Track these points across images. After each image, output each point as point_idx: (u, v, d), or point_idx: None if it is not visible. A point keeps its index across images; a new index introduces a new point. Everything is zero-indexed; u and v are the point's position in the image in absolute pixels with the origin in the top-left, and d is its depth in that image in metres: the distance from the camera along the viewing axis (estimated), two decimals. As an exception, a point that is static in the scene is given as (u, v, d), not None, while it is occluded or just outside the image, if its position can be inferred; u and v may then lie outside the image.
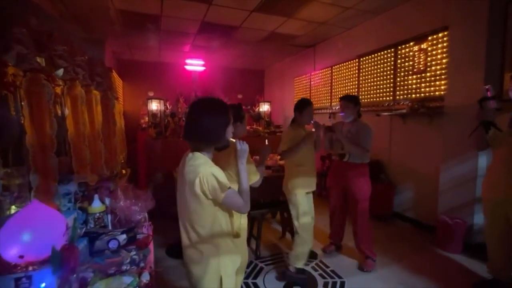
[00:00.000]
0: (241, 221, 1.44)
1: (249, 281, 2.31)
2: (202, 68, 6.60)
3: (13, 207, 1.20)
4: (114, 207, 1.55)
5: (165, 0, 3.47)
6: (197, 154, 1.21)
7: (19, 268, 0.74)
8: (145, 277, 1.03)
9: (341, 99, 2.48)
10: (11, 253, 0.73)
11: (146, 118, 5.42)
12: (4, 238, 0.74)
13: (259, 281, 2.32)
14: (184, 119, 4.70)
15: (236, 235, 1.25)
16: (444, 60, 3.07)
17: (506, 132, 1.88)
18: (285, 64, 6.69)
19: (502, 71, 2.66)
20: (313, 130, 2.31)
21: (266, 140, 1.89)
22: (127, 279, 0.97)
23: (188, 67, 6.48)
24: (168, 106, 5.23)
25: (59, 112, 1.59)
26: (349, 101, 2.43)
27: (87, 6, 3.52)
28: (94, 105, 2.01)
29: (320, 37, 4.88)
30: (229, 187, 1.15)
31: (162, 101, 4.73)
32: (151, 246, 1.47)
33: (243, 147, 1.27)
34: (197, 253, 1.17)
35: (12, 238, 0.73)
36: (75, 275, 0.84)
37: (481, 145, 2.07)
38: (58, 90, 1.62)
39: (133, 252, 1.31)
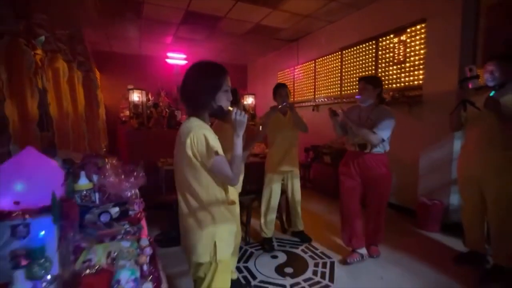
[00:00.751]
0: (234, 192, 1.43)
1: (241, 265, 2.31)
2: (184, 62, 6.50)
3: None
4: (102, 183, 1.49)
5: (148, -15, 3.38)
6: (192, 118, 1.20)
7: (15, 215, 0.68)
8: (144, 242, 0.99)
9: (360, 80, 2.20)
10: (5, 199, 0.68)
11: (126, 112, 5.24)
12: None
13: (250, 264, 2.32)
14: (167, 110, 4.60)
15: (232, 203, 1.24)
16: (422, 51, 3.23)
17: (481, 111, 2.01)
18: (268, 58, 6.73)
19: (474, 62, 2.85)
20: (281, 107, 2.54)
21: (260, 127, 1.95)
22: (126, 243, 0.93)
23: (169, 61, 6.34)
24: (151, 97, 5.09)
25: (40, 84, 1.49)
26: (368, 82, 2.13)
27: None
28: (76, 84, 1.91)
29: (304, 30, 4.96)
30: (218, 153, 1.10)
31: (144, 92, 4.60)
32: (144, 223, 1.43)
33: (240, 118, 1.20)
34: (194, 221, 1.15)
35: (6, 184, 0.68)
36: (72, 234, 0.79)
37: (457, 125, 2.19)
38: (38, 60, 1.52)
39: (127, 226, 1.26)
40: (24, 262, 0.63)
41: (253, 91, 6.86)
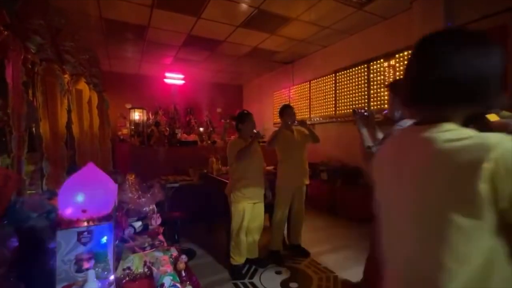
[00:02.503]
0: None
1: (246, 281, 2.34)
2: (181, 82, 6.67)
3: (28, 192, 1.18)
4: (122, 199, 1.56)
5: (154, 11, 3.58)
6: (449, 124, 0.64)
7: (81, 222, 0.76)
8: (174, 251, 1.06)
9: (387, 87, 1.87)
10: (74, 209, 0.75)
11: (124, 130, 5.30)
12: (64, 196, 0.76)
13: (255, 280, 2.35)
14: (168, 128, 4.69)
15: None
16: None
17: None
18: (264, 79, 6.98)
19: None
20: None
21: (258, 131, 2.29)
22: (159, 253, 1.00)
23: (167, 80, 6.51)
24: (151, 116, 5.18)
25: (66, 105, 1.60)
26: (391, 89, 1.78)
27: (72, 12, 3.51)
28: (93, 105, 2.01)
29: (299, 53, 5.25)
30: None
31: (144, 111, 4.69)
32: (161, 237, 1.49)
33: None
34: None
35: (71, 195, 0.75)
36: (117, 241, 0.86)
37: None
38: (65, 82, 1.63)
39: (149, 239, 1.32)
40: (86, 265, 0.71)
41: (250, 110, 7.04)
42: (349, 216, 3.90)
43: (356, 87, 4.26)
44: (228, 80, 7.50)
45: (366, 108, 2.18)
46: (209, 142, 4.77)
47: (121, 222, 1.08)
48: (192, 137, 4.95)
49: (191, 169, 3.87)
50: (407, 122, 1.61)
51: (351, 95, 4.36)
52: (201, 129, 5.94)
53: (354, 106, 4.29)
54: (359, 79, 4.21)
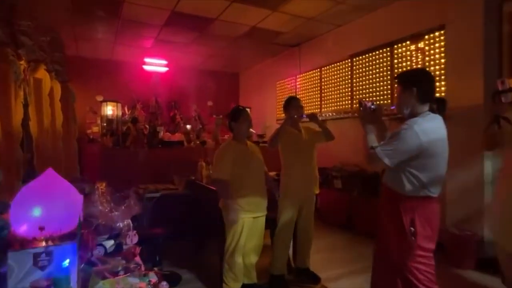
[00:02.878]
0: None
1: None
2: (164, 69, 6.69)
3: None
4: (90, 213, 1.56)
5: (131, -17, 3.58)
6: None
7: (37, 241, 0.75)
8: (153, 277, 1.06)
9: (396, 78, 1.98)
10: (29, 225, 0.75)
11: (95, 128, 5.30)
12: (18, 210, 0.75)
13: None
14: (147, 126, 4.69)
15: None
16: (442, 60, 3.50)
17: None
18: (265, 66, 6.99)
19: (500, 72, 3.11)
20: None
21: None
22: (134, 279, 1.00)
23: (147, 68, 6.53)
24: (127, 111, 5.19)
25: (22, 98, 1.60)
26: (401, 81, 1.86)
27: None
28: (55, 98, 2.01)
29: (306, 35, 5.26)
30: None
31: (119, 105, 4.70)
32: (139, 259, 1.49)
33: None
34: None
35: (26, 209, 0.75)
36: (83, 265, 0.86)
37: (490, 144, 2.37)
38: (22, 71, 1.63)
39: (123, 261, 1.32)
40: (45, 294, 0.70)
41: (247, 104, 7.05)
42: (368, 232, 3.89)
43: (377, 74, 4.27)
44: (221, 67, 7.52)
45: (373, 101, 2.19)
46: (197, 142, 4.77)
47: (87, 241, 1.08)
48: (177, 137, 4.95)
49: (175, 176, 3.86)
50: (419, 121, 1.68)
51: (371, 85, 4.37)
52: (188, 126, 5.95)
53: (372, 98, 4.30)
54: (381, 65, 4.21)
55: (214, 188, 3.20)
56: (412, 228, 1.72)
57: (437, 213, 1.80)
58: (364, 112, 1.90)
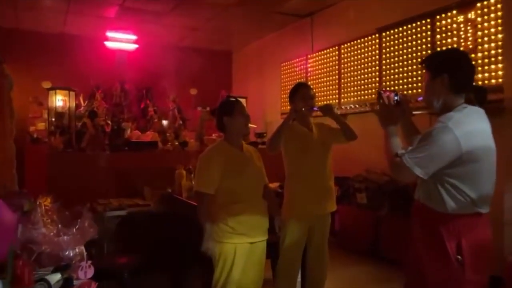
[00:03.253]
0: None
1: None
2: (133, 47, 6.67)
3: None
4: (29, 237, 1.55)
5: None
6: None
7: None
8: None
9: (422, 63, 2.02)
10: None
11: (40, 124, 5.29)
12: None
13: None
14: (109, 122, 4.68)
15: None
16: (499, 36, 3.49)
17: None
18: (266, 42, 6.96)
19: None
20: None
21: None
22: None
23: (110, 45, 6.51)
24: (83, 102, 5.19)
25: None
26: (428, 66, 1.90)
27: None
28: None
29: (321, 2, 5.25)
30: None
31: (72, 94, 4.69)
32: (94, 298, 1.48)
33: None
34: None
35: None
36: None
37: None
38: None
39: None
40: None
41: (242, 93, 7.05)
42: (401, 262, 3.88)
43: (415, 54, 4.26)
44: (209, 44, 7.50)
45: (397, 91, 2.16)
46: (176, 143, 4.76)
47: (23, 275, 1.03)
48: (150, 136, 4.94)
49: (147, 188, 3.84)
50: (455, 118, 1.66)
51: (405, 68, 4.36)
52: (165, 122, 5.95)
53: (410, 85, 4.29)
54: (419, 41, 4.20)
55: (196, 204, 3.20)
56: (459, 257, 1.69)
57: (490, 236, 1.79)
58: (385, 107, 1.90)
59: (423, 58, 2.00)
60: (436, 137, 1.65)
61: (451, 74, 1.75)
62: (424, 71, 1.98)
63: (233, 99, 2.60)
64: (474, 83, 1.91)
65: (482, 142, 1.72)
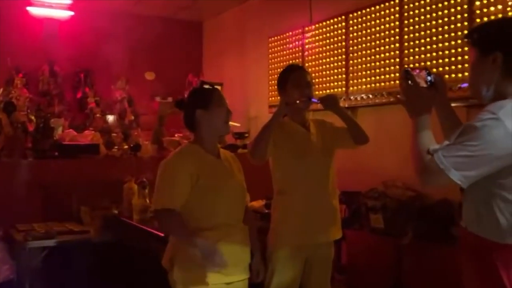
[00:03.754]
0: None
1: None
2: (67, 14, 6.61)
3: None
4: None
5: None
6: None
7: None
8: None
9: (466, 37, 2.02)
10: None
11: None
12: None
13: None
14: (33, 116, 4.62)
15: None
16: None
17: None
18: (248, 9, 6.99)
19: None
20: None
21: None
22: None
23: (35, 11, 6.44)
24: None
25: None
26: (476, 41, 1.90)
27: None
28: None
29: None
30: None
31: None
32: None
33: None
34: None
35: None
36: None
37: None
38: None
39: None
40: None
41: (216, 78, 7.04)
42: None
43: (447, 27, 4.30)
44: (170, 11, 7.49)
45: (427, 68, 2.14)
46: (125, 147, 4.73)
47: None
48: (89, 137, 4.90)
49: (84, 209, 3.86)
50: (508, 107, 1.64)
51: (434, 46, 4.40)
52: (110, 117, 5.91)
53: (441, 65, 4.34)
54: (452, 10, 4.25)
55: (153, 231, 3.17)
56: None
57: None
58: (415, 90, 1.89)
59: (469, 30, 1.97)
60: (482, 131, 1.62)
61: (506, 51, 1.74)
62: (467, 48, 2.01)
63: (209, 87, 2.61)
64: None
65: None
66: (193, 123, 2.52)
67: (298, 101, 2.80)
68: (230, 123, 2.59)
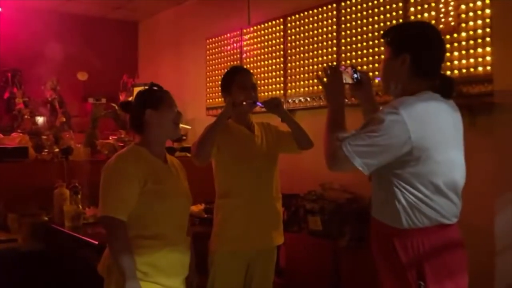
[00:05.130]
0: None
1: None
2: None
3: None
4: None
5: None
6: None
7: None
8: None
9: (383, 37, 2.15)
10: None
11: None
12: None
13: None
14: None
15: None
16: (486, 11, 3.69)
17: None
18: (185, 10, 6.96)
19: None
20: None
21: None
22: None
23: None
24: None
25: None
26: (390, 41, 2.05)
27: None
28: None
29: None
30: None
31: None
32: None
33: None
34: None
35: None
36: None
37: None
38: None
39: None
40: None
41: (152, 78, 6.78)
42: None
43: (382, 32, 4.38)
44: (104, 10, 7.35)
45: (353, 65, 2.35)
46: (56, 150, 4.59)
47: None
48: (17, 139, 4.75)
49: (12, 216, 3.76)
50: (409, 102, 1.82)
51: (370, 50, 4.48)
52: (40, 119, 5.70)
53: (375, 68, 4.42)
54: (387, 15, 4.34)
55: (87, 238, 3.09)
56: (421, 283, 1.78)
57: (463, 256, 1.94)
58: (336, 82, 2.03)
59: (385, 30, 2.14)
60: (384, 124, 1.76)
61: (414, 53, 1.90)
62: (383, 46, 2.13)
63: (160, 89, 2.56)
64: (442, 72, 2.08)
65: (442, 138, 1.85)
66: (141, 124, 2.44)
67: (244, 103, 2.79)
68: (181, 125, 2.54)
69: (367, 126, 1.82)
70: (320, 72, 2.23)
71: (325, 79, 2.07)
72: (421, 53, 1.91)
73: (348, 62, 4.68)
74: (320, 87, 4.81)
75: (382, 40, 2.15)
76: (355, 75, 2.07)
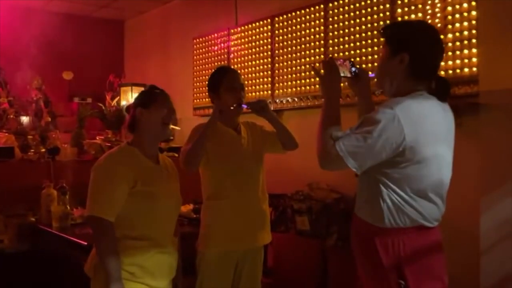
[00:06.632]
0: None
1: None
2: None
3: None
4: None
5: None
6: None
7: None
8: None
9: (380, 31, 2.15)
10: None
11: None
12: None
13: None
14: None
15: None
16: (472, 13, 3.74)
17: None
18: (172, 9, 6.95)
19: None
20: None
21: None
22: None
23: None
24: None
25: None
26: (388, 39, 2.04)
27: None
28: None
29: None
30: None
31: None
32: None
33: None
34: None
35: None
36: None
37: None
38: None
39: None
40: None
41: (139, 78, 6.90)
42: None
43: (370, 33, 4.42)
44: (91, 8, 7.31)
45: (351, 59, 2.29)
46: (43, 150, 4.56)
47: None
48: (2, 140, 4.73)
49: None
50: (404, 102, 1.81)
51: (358, 51, 4.51)
52: (25, 119, 5.64)
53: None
54: (374, 17, 4.36)
55: (75, 239, 3.08)
56: (401, 282, 1.80)
57: (442, 259, 1.98)
58: (334, 76, 2.00)
59: (385, 26, 2.19)
60: (379, 124, 1.75)
61: (413, 52, 1.89)
62: (382, 43, 2.13)
63: (154, 89, 2.55)
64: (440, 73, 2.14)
65: (434, 141, 1.86)
66: (134, 123, 2.45)
67: (232, 108, 2.79)
68: (171, 126, 2.53)
69: (362, 126, 1.80)
70: (317, 64, 2.22)
71: (322, 71, 2.05)
72: (420, 54, 1.91)
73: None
74: (308, 87, 4.93)
75: (380, 36, 2.18)
76: (353, 69, 2.06)
